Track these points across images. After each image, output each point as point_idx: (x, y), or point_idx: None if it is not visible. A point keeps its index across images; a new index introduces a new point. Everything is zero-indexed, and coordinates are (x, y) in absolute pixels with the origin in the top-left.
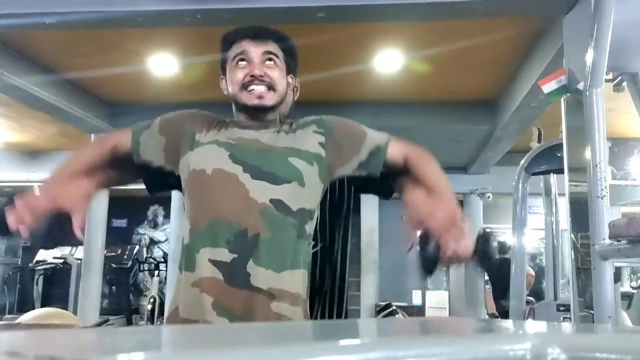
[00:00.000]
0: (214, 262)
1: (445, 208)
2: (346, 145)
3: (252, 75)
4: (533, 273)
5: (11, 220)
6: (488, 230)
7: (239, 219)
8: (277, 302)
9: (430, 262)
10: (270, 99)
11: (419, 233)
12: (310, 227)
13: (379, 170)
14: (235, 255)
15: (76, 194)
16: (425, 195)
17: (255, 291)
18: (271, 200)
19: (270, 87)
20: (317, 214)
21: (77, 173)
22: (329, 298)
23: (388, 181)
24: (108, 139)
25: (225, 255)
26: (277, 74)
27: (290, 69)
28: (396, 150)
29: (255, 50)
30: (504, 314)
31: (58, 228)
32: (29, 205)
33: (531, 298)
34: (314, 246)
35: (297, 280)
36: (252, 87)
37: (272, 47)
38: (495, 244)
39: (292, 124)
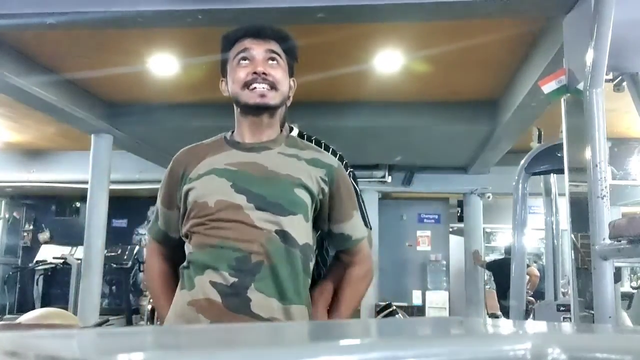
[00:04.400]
0: (214, 284)
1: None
2: (332, 210)
3: (255, 73)
4: (538, 274)
5: None
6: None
7: (243, 244)
8: None
9: None
10: (272, 98)
11: None
12: (312, 266)
13: (335, 250)
14: (236, 279)
15: None
16: (324, 306)
17: (254, 318)
18: (277, 232)
19: (273, 87)
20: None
21: (171, 295)
22: None
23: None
24: (153, 255)
25: (226, 278)
26: (280, 73)
27: (292, 72)
28: (355, 252)
29: (257, 48)
30: (507, 314)
31: None
32: None
33: (531, 298)
34: None
35: (299, 316)
36: (255, 85)
37: (275, 46)
38: None
39: (303, 147)
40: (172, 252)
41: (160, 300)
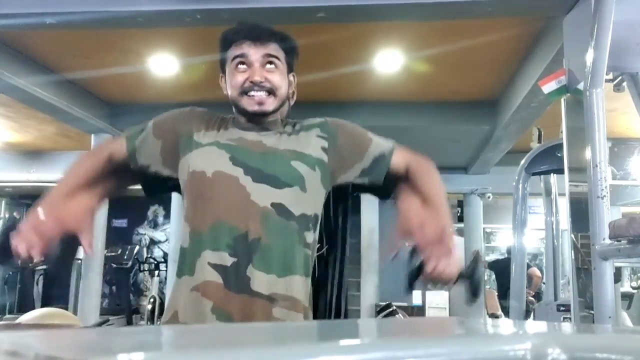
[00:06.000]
0: (214, 266)
1: (436, 223)
2: (349, 151)
3: (252, 81)
4: (540, 274)
5: (20, 246)
6: (479, 253)
7: (240, 222)
8: (278, 307)
9: (412, 277)
10: (270, 104)
11: (409, 244)
12: (311, 236)
13: (381, 178)
14: (235, 259)
15: (80, 213)
16: (420, 206)
17: (255, 296)
18: (272, 204)
19: (271, 92)
20: (319, 220)
21: (76, 188)
22: (329, 300)
23: (388, 183)
24: (102, 148)
25: (225, 258)
26: (277, 77)
27: (292, 68)
28: (400, 159)
29: (255, 53)
30: (509, 314)
31: (69, 250)
32: (36, 230)
33: (532, 298)
34: (319, 249)
35: (299, 287)
36: (252, 93)
37: (273, 49)
38: (482, 269)
39: (295, 124)
40: (115, 173)
41: (61, 194)
